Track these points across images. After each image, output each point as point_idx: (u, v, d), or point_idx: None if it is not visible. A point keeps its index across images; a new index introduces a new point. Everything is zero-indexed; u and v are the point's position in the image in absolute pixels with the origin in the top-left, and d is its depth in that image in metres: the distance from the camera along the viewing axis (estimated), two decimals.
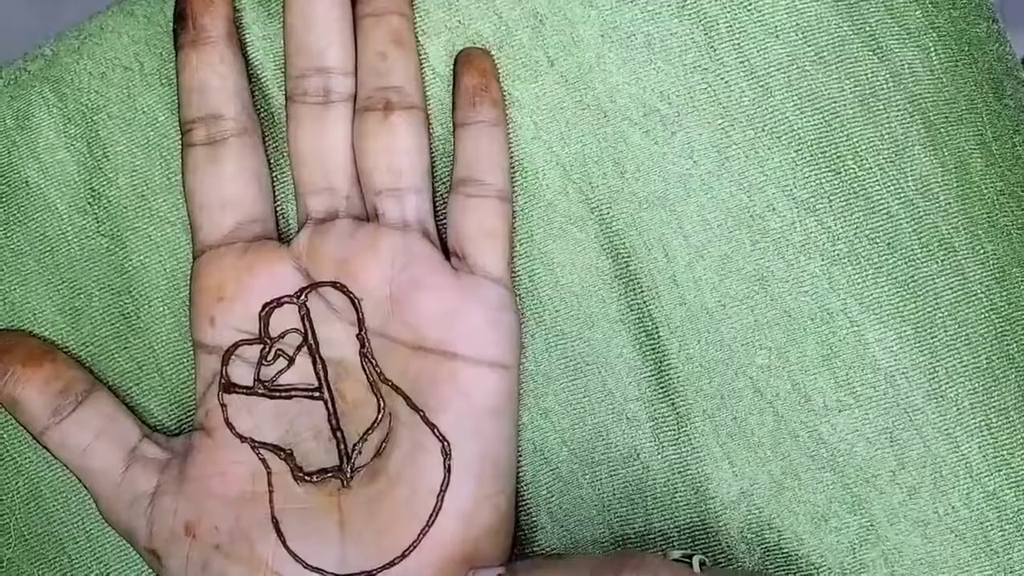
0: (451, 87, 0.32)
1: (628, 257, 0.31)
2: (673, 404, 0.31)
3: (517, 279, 0.32)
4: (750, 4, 0.31)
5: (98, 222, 0.33)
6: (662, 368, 0.31)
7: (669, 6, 0.31)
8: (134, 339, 0.33)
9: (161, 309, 0.33)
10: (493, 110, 0.31)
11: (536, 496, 0.32)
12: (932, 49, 0.32)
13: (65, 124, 0.33)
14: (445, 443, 0.29)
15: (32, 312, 0.33)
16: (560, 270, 0.32)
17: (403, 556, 0.29)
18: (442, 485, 0.29)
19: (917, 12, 0.32)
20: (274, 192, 0.33)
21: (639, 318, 0.31)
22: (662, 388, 0.31)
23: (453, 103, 0.31)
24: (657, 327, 0.31)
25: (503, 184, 0.31)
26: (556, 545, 0.31)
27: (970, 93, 0.32)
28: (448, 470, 0.29)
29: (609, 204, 0.31)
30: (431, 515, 0.29)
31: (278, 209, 0.33)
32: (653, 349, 0.31)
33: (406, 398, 0.30)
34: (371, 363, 0.30)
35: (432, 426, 0.29)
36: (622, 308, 0.31)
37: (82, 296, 0.33)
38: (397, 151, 0.30)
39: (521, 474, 0.32)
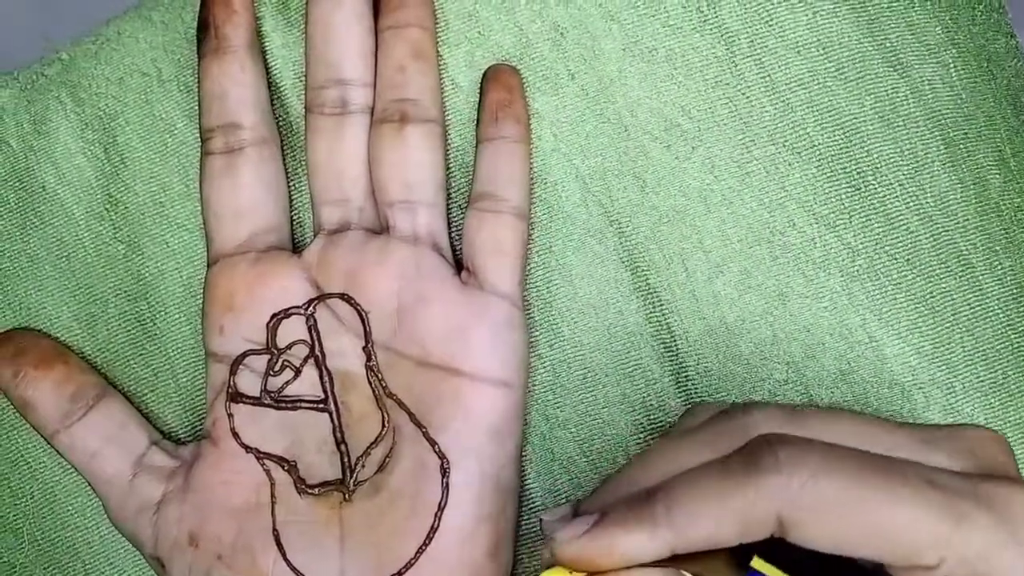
0: (470, 98, 0.32)
1: (647, 271, 0.31)
2: None
3: (535, 290, 0.32)
4: (771, 20, 0.31)
5: (115, 228, 0.33)
6: (680, 380, 0.31)
7: (691, 21, 0.31)
8: (149, 345, 0.33)
9: (177, 316, 0.33)
10: (515, 126, 0.31)
11: (556, 506, 0.32)
12: (952, 65, 0.32)
13: (83, 129, 0.33)
14: (444, 460, 0.29)
15: (48, 317, 0.33)
16: (578, 282, 0.32)
17: (399, 574, 0.29)
18: (440, 503, 0.29)
19: (937, 28, 0.32)
20: (291, 201, 0.33)
21: (657, 331, 0.31)
22: (680, 400, 0.31)
23: (477, 118, 0.31)
24: (675, 340, 0.31)
25: (520, 201, 0.31)
26: None
27: (989, 109, 0.32)
28: (446, 488, 0.29)
29: (629, 217, 0.31)
30: (428, 533, 0.29)
31: (296, 219, 0.33)
32: (671, 361, 0.31)
33: (410, 413, 0.30)
34: (377, 377, 0.30)
35: (433, 443, 0.29)
36: (640, 321, 0.31)
37: (98, 302, 0.33)
38: (411, 164, 0.30)
39: (541, 484, 0.32)
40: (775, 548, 0.23)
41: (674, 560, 0.23)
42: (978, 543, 0.21)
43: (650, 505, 0.22)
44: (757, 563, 0.23)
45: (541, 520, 0.24)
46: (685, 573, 0.23)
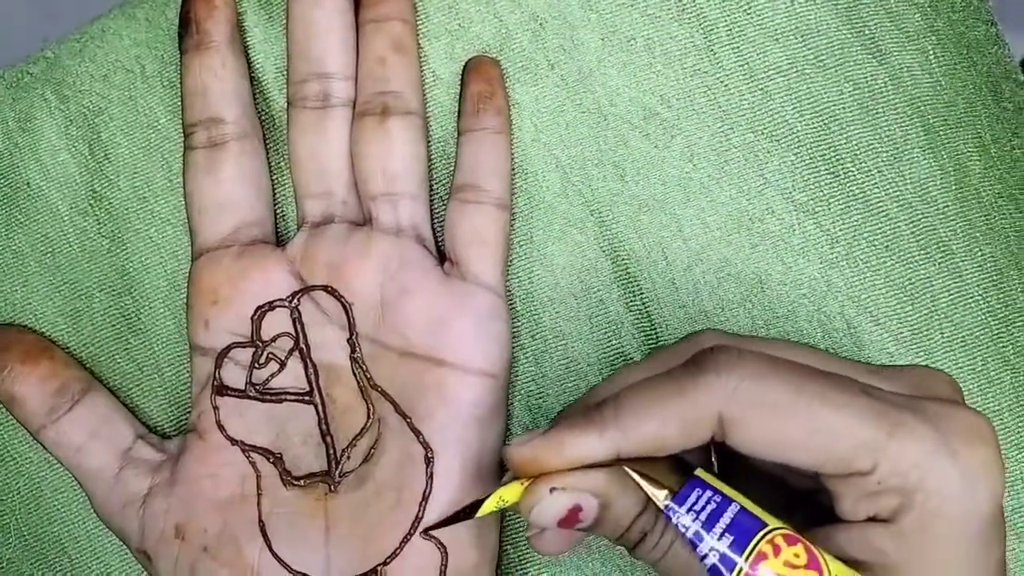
0: (451, 90, 0.32)
1: (627, 260, 0.31)
2: None
3: (516, 280, 0.32)
4: (750, 8, 0.31)
5: (99, 223, 0.33)
6: None
7: (669, 10, 0.31)
8: (134, 340, 0.33)
9: (162, 310, 0.33)
10: (496, 118, 0.31)
11: None
12: (931, 52, 0.32)
13: (67, 126, 0.33)
14: (429, 451, 0.29)
15: (33, 313, 0.33)
16: (559, 272, 0.32)
17: (385, 563, 0.29)
18: (425, 493, 0.29)
19: (916, 16, 0.32)
20: (275, 195, 0.33)
21: (637, 319, 0.31)
22: None
23: (459, 109, 0.31)
24: (655, 328, 0.31)
25: (501, 192, 0.31)
26: None
27: (969, 96, 0.32)
28: (431, 478, 0.29)
29: (609, 207, 0.32)
30: (413, 523, 0.29)
31: (279, 212, 0.33)
32: (652, 349, 0.31)
33: (394, 404, 0.30)
34: (361, 368, 0.30)
35: (417, 433, 0.29)
36: (620, 310, 0.32)
37: (83, 297, 0.33)
38: (393, 156, 0.30)
39: None
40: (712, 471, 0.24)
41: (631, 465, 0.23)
42: (913, 452, 0.21)
43: (599, 410, 0.23)
44: (700, 472, 0.23)
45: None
46: (628, 469, 0.23)
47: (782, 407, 0.22)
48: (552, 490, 0.23)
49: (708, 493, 0.23)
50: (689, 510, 0.23)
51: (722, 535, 0.22)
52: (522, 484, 0.24)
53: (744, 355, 0.23)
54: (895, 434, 0.22)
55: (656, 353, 0.25)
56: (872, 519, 0.22)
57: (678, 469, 0.24)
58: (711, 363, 0.23)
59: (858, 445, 0.22)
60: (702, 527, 0.22)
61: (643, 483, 0.23)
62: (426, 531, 0.28)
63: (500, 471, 0.31)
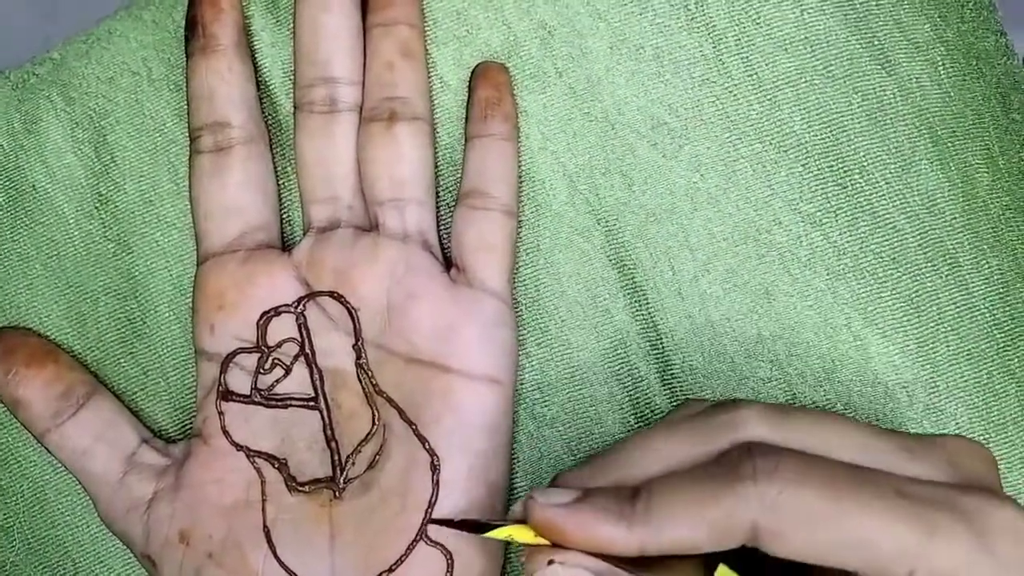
0: (458, 96, 0.32)
1: (634, 269, 0.31)
2: None
3: (523, 288, 0.32)
4: (759, 17, 0.31)
5: (105, 227, 0.33)
6: (665, 378, 0.31)
7: (678, 19, 0.31)
8: (139, 344, 0.33)
9: (167, 314, 0.33)
10: (504, 124, 0.31)
11: None
12: (940, 63, 0.32)
13: (73, 128, 0.33)
14: (434, 457, 0.29)
15: (38, 316, 0.33)
16: (566, 280, 0.32)
17: (390, 571, 0.29)
18: (430, 500, 0.29)
19: (926, 26, 0.32)
20: (281, 199, 0.33)
21: (643, 329, 0.31)
22: (666, 398, 0.31)
23: (466, 115, 0.31)
24: (661, 338, 0.31)
25: (509, 199, 0.31)
26: None
27: (977, 107, 0.32)
28: (436, 485, 0.29)
29: (616, 216, 0.31)
30: (418, 531, 0.29)
31: (286, 216, 0.33)
32: (657, 359, 0.31)
33: (400, 411, 0.30)
34: (367, 374, 0.30)
35: (423, 440, 0.29)
36: (626, 319, 0.31)
37: (88, 301, 0.33)
38: (400, 162, 0.30)
39: (529, 482, 0.32)
40: (740, 556, 0.23)
41: (644, 563, 0.23)
42: (951, 556, 0.21)
43: (631, 501, 0.23)
44: (722, 571, 0.23)
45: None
46: None
47: (820, 517, 0.22)
48: (550, 562, 0.23)
49: None
50: None
51: None
52: (534, 535, 0.24)
53: (781, 461, 0.22)
54: (933, 537, 0.21)
55: (686, 420, 0.24)
56: None
57: (704, 562, 0.23)
58: (748, 470, 0.22)
59: (896, 551, 0.21)
60: None
61: None
62: (431, 522, 0.28)
63: (507, 479, 0.31)
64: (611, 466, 0.24)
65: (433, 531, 0.29)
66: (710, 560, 0.23)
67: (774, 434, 0.23)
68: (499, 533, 0.24)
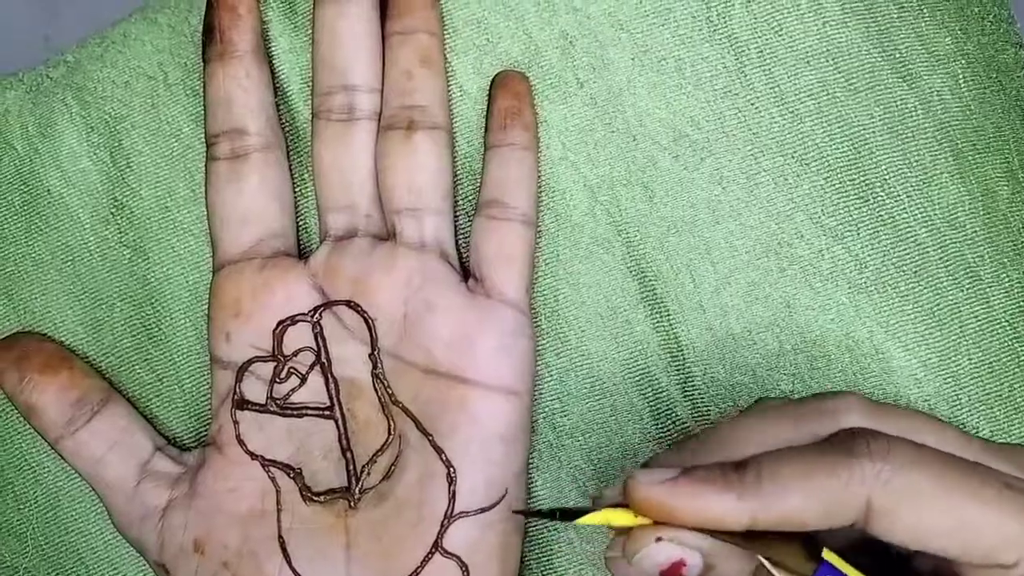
0: (478, 105, 0.32)
1: (655, 280, 0.31)
2: (698, 424, 0.31)
3: (542, 299, 0.32)
4: (781, 30, 0.31)
5: (120, 232, 0.33)
6: (686, 390, 0.31)
7: (700, 31, 0.31)
8: (155, 351, 0.33)
9: (182, 321, 0.33)
10: (524, 134, 0.31)
11: None
12: (961, 76, 0.32)
13: (88, 133, 0.33)
14: (451, 469, 0.29)
15: (53, 322, 0.33)
16: (586, 291, 0.32)
17: None
18: (446, 511, 0.29)
19: (947, 39, 0.32)
20: (298, 207, 0.32)
21: (664, 340, 0.31)
22: (687, 409, 0.31)
23: (486, 124, 0.31)
24: (682, 350, 0.31)
25: (528, 208, 0.31)
26: (583, 563, 0.31)
27: (998, 120, 0.32)
28: (453, 496, 0.29)
29: (637, 227, 0.31)
30: (435, 542, 0.29)
31: (302, 224, 0.33)
32: (678, 371, 0.31)
33: (416, 421, 0.30)
34: (383, 384, 0.30)
35: (439, 451, 0.29)
36: (647, 330, 0.31)
37: (103, 307, 0.33)
38: (418, 170, 0.30)
39: (548, 492, 0.32)
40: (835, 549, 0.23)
41: (750, 539, 0.23)
42: None
43: (740, 471, 0.23)
44: (828, 555, 0.23)
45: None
46: (761, 557, 0.23)
47: (931, 500, 0.22)
48: (659, 539, 0.23)
49: None
50: None
51: None
52: (635, 516, 0.23)
53: (894, 444, 0.23)
54: None
55: (783, 407, 0.25)
56: None
57: (802, 546, 0.23)
58: (863, 448, 0.22)
59: (1004, 539, 0.22)
60: None
61: (775, 570, 0.23)
62: (517, 512, 0.28)
63: (525, 490, 0.30)
64: (711, 447, 0.24)
65: (448, 542, 0.29)
66: (811, 549, 0.23)
67: (875, 425, 0.24)
68: (595, 518, 0.23)
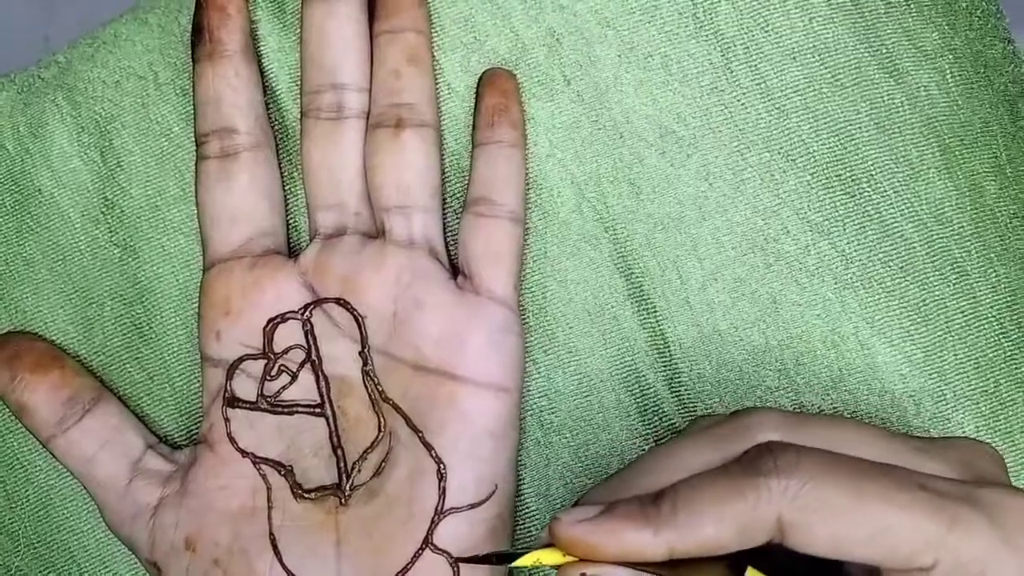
0: (465, 103, 0.32)
1: (642, 277, 0.31)
2: (684, 420, 0.31)
3: (530, 295, 0.32)
4: (767, 26, 0.31)
5: (111, 232, 0.33)
6: (673, 386, 0.31)
7: (687, 27, 0.31)
8: (145, 349, 0.33)
9: (173, 320, 0.33)
10: (511, 131, 0.31)
11: (550, 511, 0.32)
12: (948, 71, 0.32)
13: (79, 133, 0.33)
14: (441, 465, 0.29)
15: (44, 321, 0.33)
16: (573, 287, 0.32)
17: None
18: (437, 508, 0.29)
19: (934, 34, 0.32)
20: (288, 206, 0.33)
21: (651, 337, 0.31)
22: (674, 405, 0.31)
23: (473, 122, 0.31)
24: (669, 346, 0.31)
25: (516, 205, 0.31)
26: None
27: (985, 116, 0.32)
28: (443, 493, 0.29)
29: (624, 224, 0.31)
30: (424, 538, 0.29)
31: (292, 223, 0.33)
32: (665, 367, 0.31)
33: (406, 418, 0.30)
34: (373, 381, 0.30)
35: (429, 447, 0.29)
36: (634, 327, 0.31)
37: (94, 306, 0.33)
38: (406, 168, 0.30)
39: (536, 489, 0.32)
40: (766, 559, 0.23)
41: (674, 567, 0.23)
42: (972, 546, 0.22)
43: (656, 505, 0.23)
44: (752, 573, 0.23)
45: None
46: None
47: (843, 509, 0.22)
48: (582, 575, 0.23)
49: None
50: None
51: None
52: (563, 555, 0.24)
53: (802, 456, 0.22)
54: (955, 528, 0.22)
55: (705, 430, 0.25)
56: None
57: (727, 567, 0.24)
58: (770, 465, 0.22)
59: (920, 542, 0.22)
60: None
61: None
62: (459, 560, 0.28)
63: (514, 486, 0.31)
64: (632, 479, 0.25)
65: (438, 538, 0.29)
66: (737, 563, 0.23)
67: (792, 437, 0.24)
68: (526, 560, 0.24)
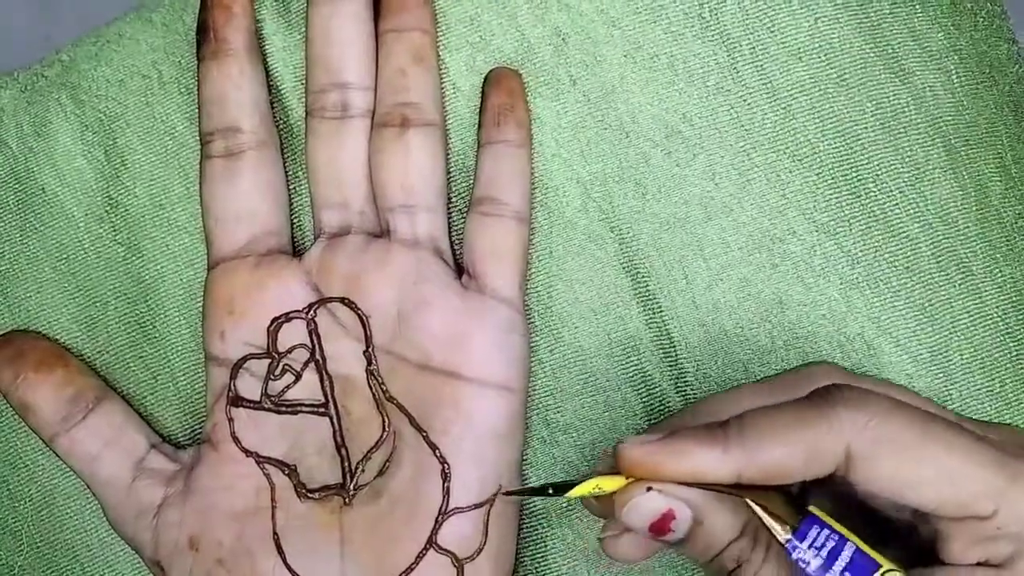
0: (471, 102, 0.32)
1: (647, 277, 0.31)
2: None
3: (535, 295, 0.32)
4: (773, 26, 0.31)
5: (115, 230, 0.33)
6: (679, 386, 0.31)
7: (692, 27, 0.31)
8: (149, 348, 0.33)
9: (177, 319, 0.33)
10: (517, 131, 0.31)
11: (556, 510, 0.32)
12: (953, 72, 0.32)
13: (83, 131, 0.33)
14: (445, 465, 0.29)
15: (48, 319, 0.33)
16: (579, 287, 0.32)
17: None
18: (441, 508, 0.29)
19: (939, 35, 0.32)
20: (292, 205, 0.33)
21: (657, 337, 0.31)
22: (680, 406, 0.31)
23: (479, 121, 0.31)
24: (675, 346, 0.31)
25: (521, 205, 0.31)
26: (577, 559, 0.31)
27: (990, 116, 0.32)
28: (447, 493, 0.29)
29: (629, 224, 0.31)
30: (429, 538, 0.29)
31: (296, 222, 0.33)
32: (671, 367, 0.31)
33: (410, 418, 0.30)
34: (377, 381, 0.30)
35: (433, 447, 0.29)
36: (640, 327, 0.31)
37: (98, 304, 0.33)
38: (411, 168, 0.30)
39: None
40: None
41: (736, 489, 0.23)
42: None
43: (724, 427, 0.23)
44: (814, 508, 0.23)
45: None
46: (750, 501, 0.23)
47: (909, 448, 0.22)
48: (649, 488, 0.23)
49: (826, 531, 0.23)
50: (810, 546, 0.23)
51: (842, 573, 0.22)
52: (623, 480, 0.24)
53: (871, 395, 0.23)
54: (1016, 483, 0.22)
55: (766, 380, 0.25)
56: (982, 564, 0.23)
57: (788, 503, 0.24)
58: (840, 398, 0.23)
59: (981, 490, 0.22)
60: (822, 564, 0.23)
61: (765, 516, 0.23)
62: (505, 494, 0.29)
63: (519, 486, 0.31)
64: (694, 415, 0.25)
65: (443, 538, 0.29)
66: (797, 507, 0.24)
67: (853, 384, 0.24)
68: (586, 487, 0.24)
